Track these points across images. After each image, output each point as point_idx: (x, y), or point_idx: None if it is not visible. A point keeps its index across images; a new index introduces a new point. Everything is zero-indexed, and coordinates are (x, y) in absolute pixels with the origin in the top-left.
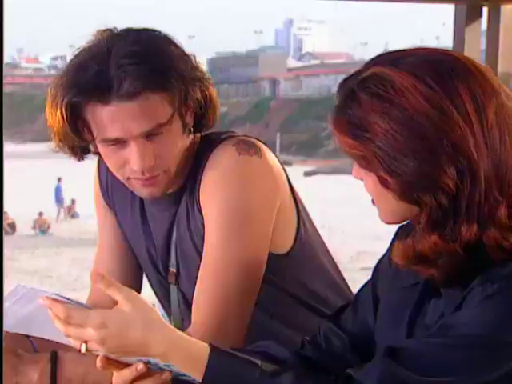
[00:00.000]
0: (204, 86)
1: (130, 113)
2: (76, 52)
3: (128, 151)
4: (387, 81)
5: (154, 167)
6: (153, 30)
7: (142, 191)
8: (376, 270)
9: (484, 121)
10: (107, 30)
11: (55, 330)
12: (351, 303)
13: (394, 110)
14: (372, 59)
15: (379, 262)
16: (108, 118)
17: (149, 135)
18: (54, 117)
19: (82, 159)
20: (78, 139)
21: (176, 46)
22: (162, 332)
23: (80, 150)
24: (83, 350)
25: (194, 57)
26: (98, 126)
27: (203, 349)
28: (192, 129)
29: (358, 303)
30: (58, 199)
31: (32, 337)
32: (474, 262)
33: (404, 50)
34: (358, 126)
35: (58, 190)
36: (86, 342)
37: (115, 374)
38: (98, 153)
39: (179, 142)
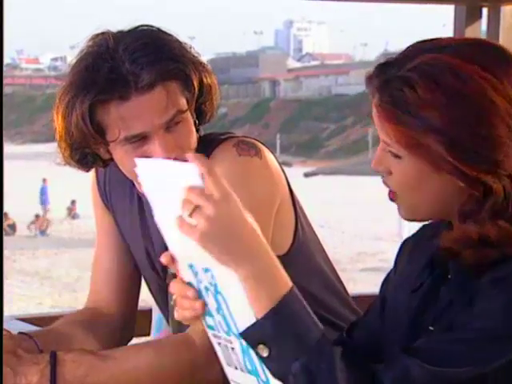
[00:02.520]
0: (208, 73)
1: (150, 105)
2: (79, 56)
3: (150, 146)
4: (447, 67)
5: (177, 158)
6: (145, 25)
7: None
8: (383, 285)
9: None
10: (103, 32)
11: None
12: (360, 320)
13: (456, 96)
14: (413, 47)
15: (386, 277)
16: (129, 113)
17: (168, 127)
18: (68, 122)
19: (90, 170)
20: (94, 143)
21: (171, 35)
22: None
23: (91, 159)
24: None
25: (191, 46)
26: (120, 125)
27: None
28: (196, 120)
29: (367, 317)
30: (43, 201)
31: (35, 336)
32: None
33: (444, 38)
34: (413, 112)
35: (43, 192)
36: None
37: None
38: (106, 162)
39: (194, 132)
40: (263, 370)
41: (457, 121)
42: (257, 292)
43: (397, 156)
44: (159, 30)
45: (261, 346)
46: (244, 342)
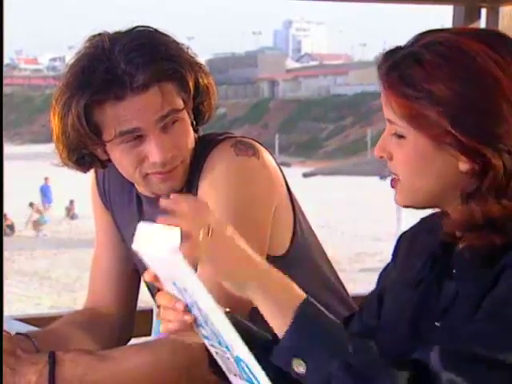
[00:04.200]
0: (205, 74)
1: (145, 103)
2: (75, 57)
3: (146, 146)
4: (455, 45)
5: (174, 158)
6: (141, 26)
7: (161, 186)
8: (381, 277)
9: None
10: (99, 34)
11: None
12: (357, 313)
13: (462, 71)
14: (421, 33)
15: (384, 270)
16: (124, 111)
17: (164, 126)
18: (64, 123)
19: (88, 171)
20: (91, 144)
21: (168, 36)
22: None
23: (88, 160)
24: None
25: (187, 47)
26: (114, 122)
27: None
28: (194, 121)
29: (362, 312)
30: (46, 200)
31: (34, 337)
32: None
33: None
34: (419, 86)
35: (45, 191)
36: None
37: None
38: (104, 163)
39: (191, 132)
40: (256, 379)
41: (460, 94)
42: (273, 307)
43: (401, 136)
44: (156, 31)
45: (295, 362)
46: (234, 353)
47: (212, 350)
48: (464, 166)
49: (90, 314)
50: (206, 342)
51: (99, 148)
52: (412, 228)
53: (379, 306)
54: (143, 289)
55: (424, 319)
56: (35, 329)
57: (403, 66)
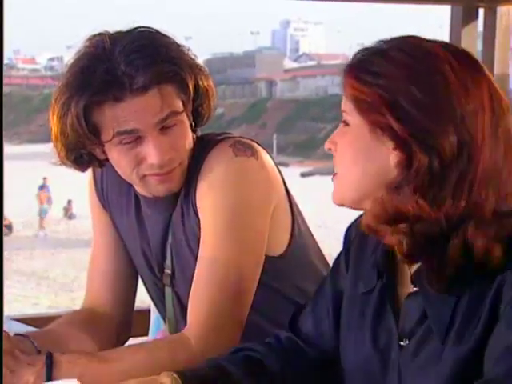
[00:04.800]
0: (205, 76)
1: (144, 105)
2: (76, 57)
3: (144, 147)
4: (420, 46)
5: (171, 160)
6: (143, 27)
7: (159, 188)
8: (337, 270)
9: (494, 126)
10: (99, 34)
11: None
12: (310, 306)
13: (419, 66)
14: (396, 37)
15: (336, 259)
16: (123, 113)
17: (163, 128)
18: (63, 123)
19: (86, 170)
20: (89, 144)
21: (169, 37)
22: None
23: (86, 159)
24: None
25: (188, 48)
26: (113, 123)
27: None
28: (193, 123)
29: (315, 306)
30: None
31: (33, 337)
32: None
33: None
34: (375, 72)
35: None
36: None
37: None
38: (102, 162)
39: (190, 134)
40: None
41: (408, 86)
42: None
43: (346, 124)
44: (157, 32)
45: None
46: None
47: None
48: (394, 158)
49: (87, 313)
50: None
51: (97, 148)
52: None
53: (337, 304)
54: (141, 288)
55: (381, 323)
56: (33, 329)
57: (366, 57)
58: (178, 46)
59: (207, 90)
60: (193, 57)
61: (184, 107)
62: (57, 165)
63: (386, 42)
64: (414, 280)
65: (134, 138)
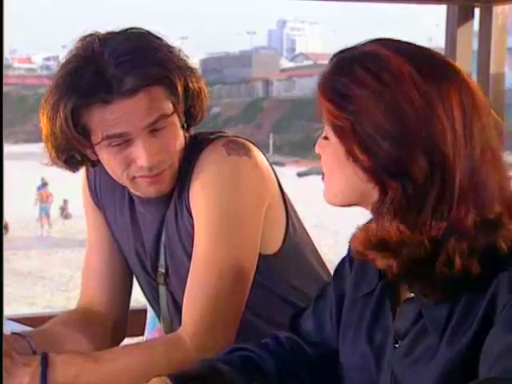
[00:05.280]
0: (196, 77)
1: (133, 109)
2: (66, 58)
3: (134, 150)
4: (385, 62)
5: (161, 162)
6: (135, 28)
7: (149, 189)
8: (337, 272)
9: (468, 133)
10: (90, 34)
11: None
12: (311, 308)
13: (385, 90)
14: (372, 40)
15: (340, 263)
16: (112, 116)
17: (152, 130)
18: (52, 124)
19: (77, 171)
20: (79, 146)
21: (161, 39)
22: None
23: (77, 160)
24: None
25: (180, 50)
26: (102, 126)
27: None
28: (185, 124)
29: (317, 307)
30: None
31: (29, 337)
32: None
33: (406, 42)
34: (345, 96)
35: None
36: None
37: None
38: (92, 162)
39: (180, 136)
40: None
41: (374, 112)
42: None
43: (326, 137)
44: (148, 34)
45: None
46: None
47: None
48: (370, 184)
49: (83, 313)
50: None
51: (88, 149)
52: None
53: (339, 305)
54: (136, 288)
55: (378, 323)
56: (29, 329)
57: (336, 71)
58: (169, 47)
59: (199, 91)
60: (184, 58)
61: (174, 109)
62: (48, 165)
63: (357, 52)
64: (410, 288)
65: (124, 141)
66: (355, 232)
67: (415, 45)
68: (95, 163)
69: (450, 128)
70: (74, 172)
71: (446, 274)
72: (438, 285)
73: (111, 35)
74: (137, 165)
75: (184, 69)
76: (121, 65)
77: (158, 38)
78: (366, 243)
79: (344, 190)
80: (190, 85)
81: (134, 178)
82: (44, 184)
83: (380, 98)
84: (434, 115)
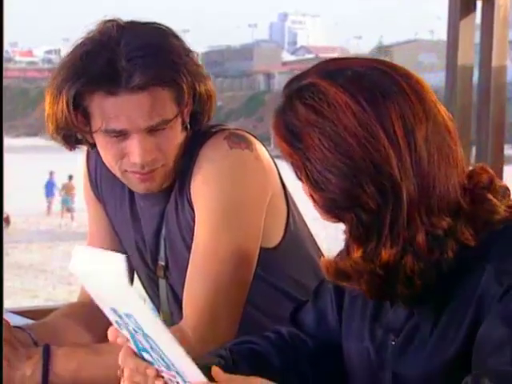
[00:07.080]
0: (206, 83)
1: (136, 105)
2: (81, 40)
3: (129, 144)
4: (323, 94)
5: (155, 161)
6: (158, 24)
7: (139, 186)
8: None
9: (412, 144)
10: (111, 20)
11: None
12: (311, 301)
13: (326, 124)
14: (314, 66)
15: None
16: (114, 109)
17: (151, 130)
18: (55, 104)
19: (74, 149)
20: (77, 129)
21: (180, 41)
22: None
23: (74, 139)
24: None
25: (197, 54)
26: (103, 117)
27: None
28: (188, 125)
29: (317, 300)
30: (48, 193)
31: (30, 329)
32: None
33: (344, 60)
34: (294, 134)
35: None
36: None
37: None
38: (91, 144)
39: (179, 136)
40: None
41: (319, 148)
42: None
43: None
44: (170, 33)
45: None
46: (186, 379)
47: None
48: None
49: (84, 306)
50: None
51: (87, 134)
52: None
53: (340, 300)
54: (136, 281)
55: (380, 317)
56: (31, 321)
57: (283, 108)
58: (186, 51)
59: (207, 97)
60: (197, 64)
61: (179, 112)
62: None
63: (299, 85)
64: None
65: (121, 134)
66: (321, 261)
67: (356, 63)
68: (93, 145)
69: (393, 149)
70: (71, 150)
71: (407, 294)
72: (414, 298)
73: (131, 25)
74: (129, 160)
75: (195, 74)
76: (133, 59)
77: (179, 39)
78: (330, 275)
79: (323, 218)
80: (199, 90)
81: (125, 171)
82: (70, 177)
83: (323, 133)
84: (377, 142)
